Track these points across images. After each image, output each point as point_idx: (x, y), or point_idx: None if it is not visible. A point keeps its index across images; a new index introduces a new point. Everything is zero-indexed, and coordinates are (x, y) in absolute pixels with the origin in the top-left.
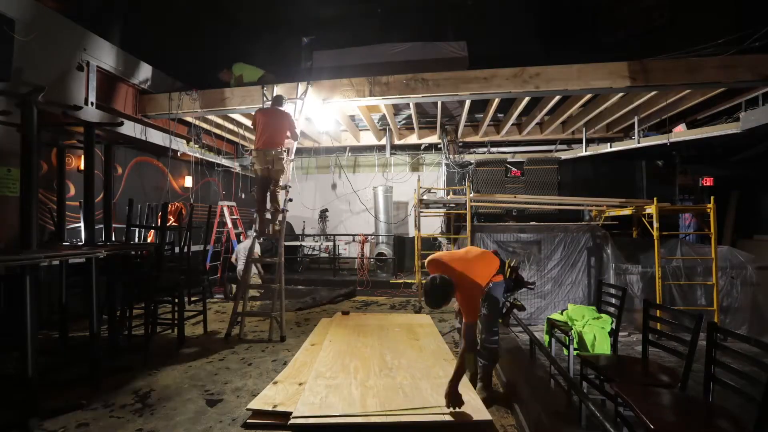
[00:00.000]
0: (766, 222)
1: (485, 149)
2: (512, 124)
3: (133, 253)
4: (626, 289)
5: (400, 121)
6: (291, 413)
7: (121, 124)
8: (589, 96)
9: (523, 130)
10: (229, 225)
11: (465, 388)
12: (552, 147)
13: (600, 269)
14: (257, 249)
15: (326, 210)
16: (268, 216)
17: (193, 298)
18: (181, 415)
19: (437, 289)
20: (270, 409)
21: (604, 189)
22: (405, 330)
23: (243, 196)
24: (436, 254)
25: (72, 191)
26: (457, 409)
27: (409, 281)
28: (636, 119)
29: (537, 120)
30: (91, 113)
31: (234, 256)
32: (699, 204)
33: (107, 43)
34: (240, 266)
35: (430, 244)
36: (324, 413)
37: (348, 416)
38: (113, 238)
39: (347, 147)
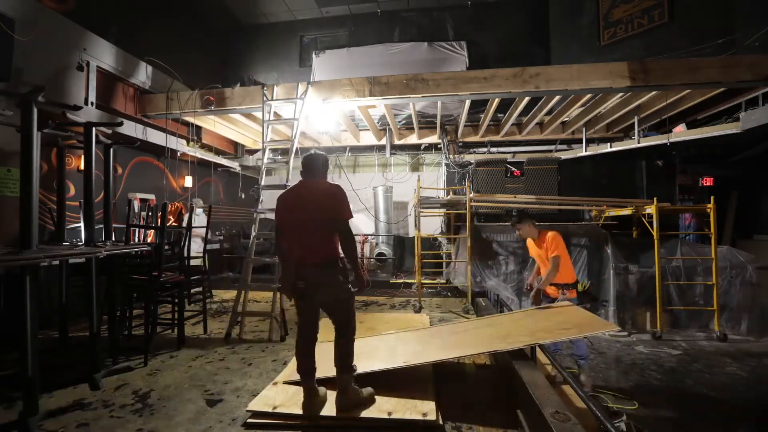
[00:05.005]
0: (766, 222)
1: (485, 149)
2: (512, 124)
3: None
4: None
5: (400, 121)
6: (291, 414)
7: (121, 124)
8: (589, 96)
9: (523, 130)
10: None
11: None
12: (552, 147)
13: (600, 269)
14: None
15: None
16: None
17: (193, 299)
18: (181, 415)
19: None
20: (270, 409)
21: (604, 189)
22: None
23: (243, 196)
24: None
25: (72, 191)
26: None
27: (409, 281)
28: (636, 119)
29: (537, 120)
30: (91, 113)
31: None
32: (699, 204)
33: (107, 43)
34: None
35: (430, 244)
36: None
37: None
38: (113, 238)
39: (347, 147)
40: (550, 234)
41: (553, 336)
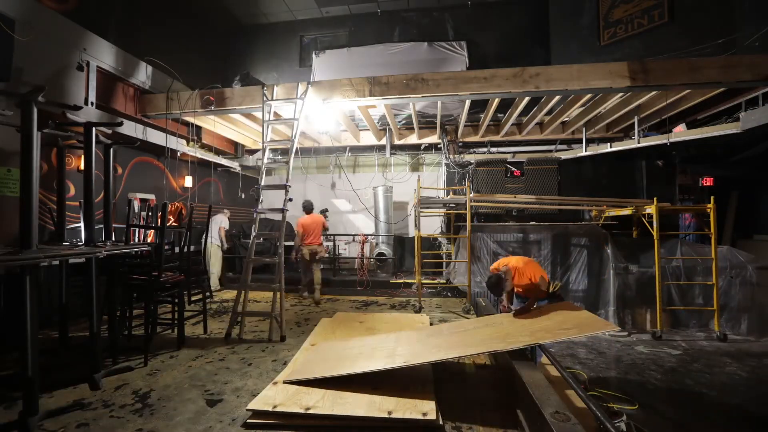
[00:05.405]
0: (766, 222)
1: (485, 149)
2: (512, 124)
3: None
4: None
5: (400, 121)
6: (291, 413)
7: (121, 124)
8: (589, 96)
9: (523, 130)
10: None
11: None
12: (552, 147)
13: (600, 269)
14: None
15: (326, 210)
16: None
17: (193, 298)
18: (181, 415)
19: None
20: (270, 409)
21: (604, 189)
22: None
23: (243, 196)
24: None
25: (72, 191)
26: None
27: (409, 281)
28: (636, 119)
29: (537, 120)
30: (91, 113)
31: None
32: (699, 204)
33: (107, 43)
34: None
35: (430, 244)
36: None
37: None
38: (113, 238)
39: (347, 147)
40: (521, 265)
41: (553, 336)
